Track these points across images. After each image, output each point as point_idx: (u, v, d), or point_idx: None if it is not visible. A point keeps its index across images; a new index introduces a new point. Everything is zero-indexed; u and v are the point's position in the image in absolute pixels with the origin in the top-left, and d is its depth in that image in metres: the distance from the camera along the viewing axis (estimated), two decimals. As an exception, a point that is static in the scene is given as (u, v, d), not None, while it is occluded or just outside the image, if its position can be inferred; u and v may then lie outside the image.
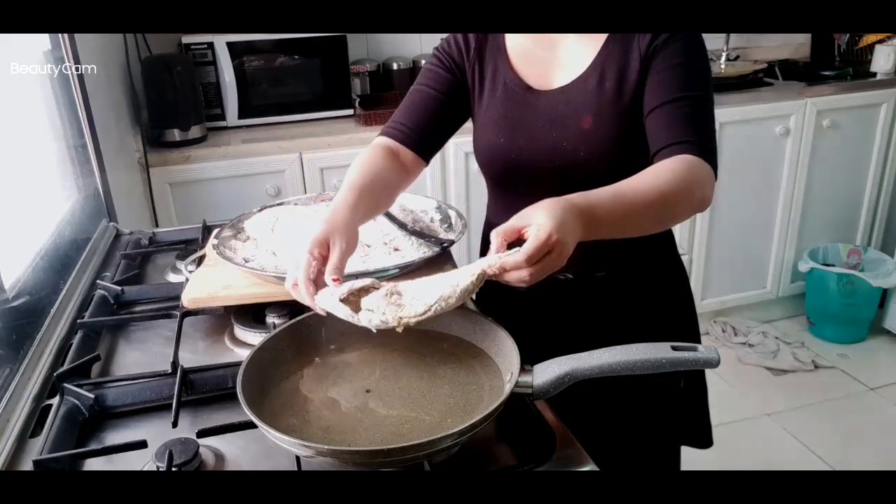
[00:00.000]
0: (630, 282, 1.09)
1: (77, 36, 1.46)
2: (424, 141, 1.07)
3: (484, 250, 1.23)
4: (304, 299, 0.81)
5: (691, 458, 2.06)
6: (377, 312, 0.78)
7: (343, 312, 0.78)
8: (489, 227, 1.16)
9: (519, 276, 0.73)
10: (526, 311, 1.13)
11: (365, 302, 0.80)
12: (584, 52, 1.00)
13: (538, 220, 0.73)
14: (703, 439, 1.26)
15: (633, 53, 0.96)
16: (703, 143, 0.92)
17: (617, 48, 0.98)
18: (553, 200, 0.76)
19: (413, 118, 1.07)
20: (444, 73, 1.08)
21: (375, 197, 0.96)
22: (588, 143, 0.98)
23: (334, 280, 0.80)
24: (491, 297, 1.18)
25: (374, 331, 0.79)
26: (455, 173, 2.26)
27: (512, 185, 1.06)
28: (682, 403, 1.20)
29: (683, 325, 1.17)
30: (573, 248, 0.75)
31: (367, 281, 0.81)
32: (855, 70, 2.78)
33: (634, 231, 0.86)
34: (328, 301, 0.79)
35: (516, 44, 1.06)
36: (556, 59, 1.02)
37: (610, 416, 1.08)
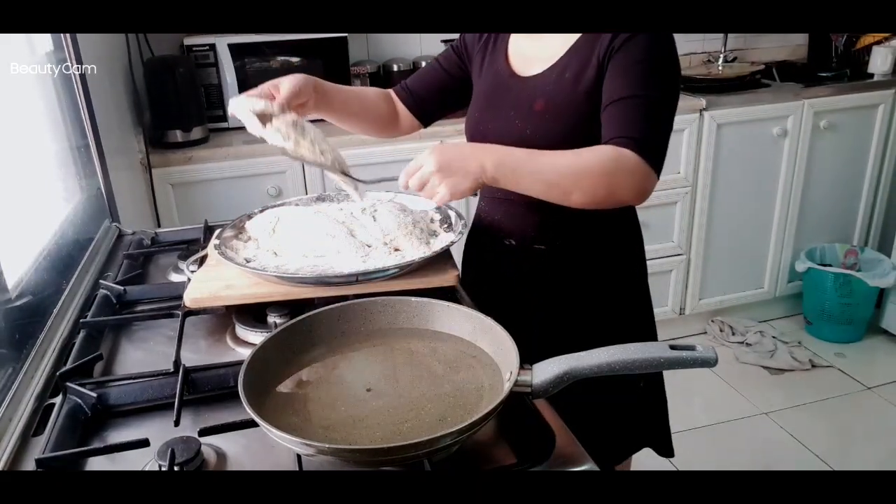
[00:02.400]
0: (574, 263, 1.15)
1: (79, 37, 1.46)
2: (418, 103, 1.28)
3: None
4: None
5: (689, 459, 2.08)
6: (282, 130, 1.02)
7: (250, 122, 1.01)
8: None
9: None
10: (526, 310, 1.15)
11: (276, 121, 1.02)
12: (559, 48, 1.08)
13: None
14: (665, 445, 1.28)
15: (595, 53, 1.02)
16: (645, 141, 0.96)
17: (584, 46, 1.04)
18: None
19: (415, 82, 1.29)
20: (454, 54, 1.26)
21: (343, 92, 1.19)
22: (536, 123, 1.08)
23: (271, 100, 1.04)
24: (490, 295, 1.19)
25: (269, 141, 1.03)
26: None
27: None
28: (642, 403, 1.25)
29: (631, 317, 1.20)
30: (452, 170, 0.93)
31: (275, 108, 1.02)
32: (852, 71, 2.78)
33: (537, 190, 0.96)
34: (241, 105, 1.02)
35: (517, 37, 1.16)
36: (539, 52, 1.11)
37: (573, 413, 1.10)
